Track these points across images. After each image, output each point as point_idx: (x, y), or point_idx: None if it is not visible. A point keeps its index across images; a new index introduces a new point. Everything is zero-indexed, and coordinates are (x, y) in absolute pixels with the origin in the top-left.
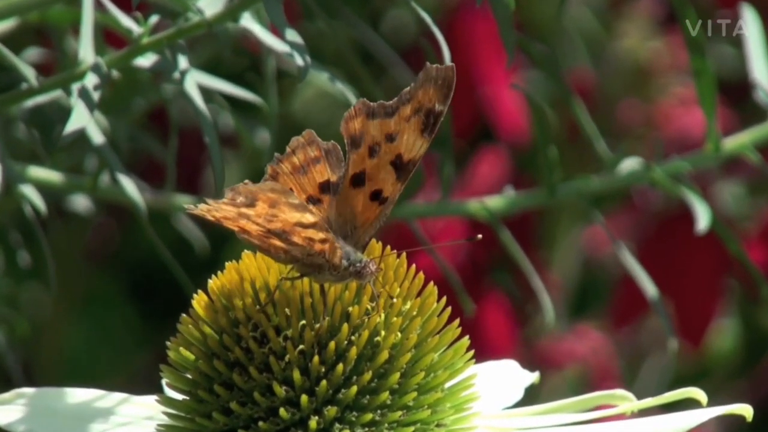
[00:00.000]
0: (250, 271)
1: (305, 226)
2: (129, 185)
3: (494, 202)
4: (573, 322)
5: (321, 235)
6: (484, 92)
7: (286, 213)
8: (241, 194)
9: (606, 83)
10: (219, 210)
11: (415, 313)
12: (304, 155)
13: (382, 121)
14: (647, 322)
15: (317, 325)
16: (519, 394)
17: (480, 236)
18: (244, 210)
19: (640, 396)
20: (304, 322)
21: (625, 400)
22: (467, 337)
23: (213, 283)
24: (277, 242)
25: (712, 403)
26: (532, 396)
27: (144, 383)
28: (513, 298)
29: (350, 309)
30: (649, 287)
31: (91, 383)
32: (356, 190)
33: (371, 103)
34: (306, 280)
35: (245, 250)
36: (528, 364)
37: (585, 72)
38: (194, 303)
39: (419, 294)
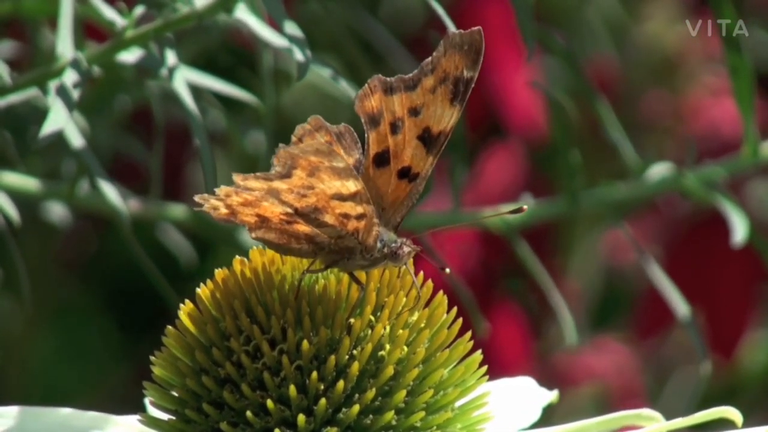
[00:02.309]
0: (243, 277)
1: (344, 198)
2: (110, 192)
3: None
4: (593, 334)
5: (359, 209)
6: (495, 82)
7: (324, 182)
8: (278, 160)
9: (630, 72)
10: (241, 192)
11: (423, 324)
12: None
13: (404, 95)
14: (674, 334)
15: (316, 338)
16: (536, 414)
17: (526, 207)
18: (276, 184)
19: (666, 415)
20: (301, 334)
21: (652, 420)
22: (480, 351)
23: (201, 291)
24: (302, 227)
25: (745, 423)
26: (546, 416)
27: (123, 400)
28: (527, 307)
29: (352, 320)
30: (677, 302)
31: (64, 400)
32: (381, 169)
33: (388, 78)
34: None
35: (236, 257)
36: (543, 381)
37: (607, 60)
38: (181, 313)
39: (427, 304)
